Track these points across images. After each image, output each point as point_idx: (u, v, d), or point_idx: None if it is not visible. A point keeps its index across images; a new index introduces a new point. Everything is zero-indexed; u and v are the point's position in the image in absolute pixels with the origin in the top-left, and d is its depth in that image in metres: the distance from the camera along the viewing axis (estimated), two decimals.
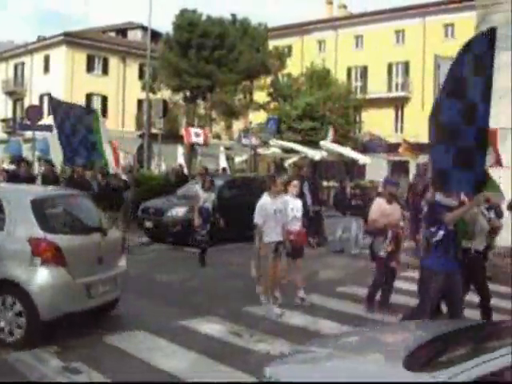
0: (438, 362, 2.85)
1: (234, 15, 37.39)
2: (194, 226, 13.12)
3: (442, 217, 6.51)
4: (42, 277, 6.87)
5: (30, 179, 14.22)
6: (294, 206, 9.72)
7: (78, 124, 13.55)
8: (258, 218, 9.05)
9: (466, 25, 30.76)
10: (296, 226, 9.68)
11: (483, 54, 5.87)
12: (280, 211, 9.14)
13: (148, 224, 16.45)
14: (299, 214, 9.80)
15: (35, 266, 6.85)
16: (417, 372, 2.84)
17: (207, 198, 13.04)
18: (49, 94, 47.41)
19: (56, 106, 14.01)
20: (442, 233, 6.52)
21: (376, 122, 42.79)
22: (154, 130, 30.12)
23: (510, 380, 2.46)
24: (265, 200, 9.15)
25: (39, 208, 7.25)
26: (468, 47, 5.99)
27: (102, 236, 7.76)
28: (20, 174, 13.72)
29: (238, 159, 33.31)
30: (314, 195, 16.26)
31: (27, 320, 6.81)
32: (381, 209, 8.81)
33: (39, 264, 6.85)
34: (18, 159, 17.35)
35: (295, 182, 10.16)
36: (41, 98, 48.07)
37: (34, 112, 22.61)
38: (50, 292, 6.91)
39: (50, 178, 13.59)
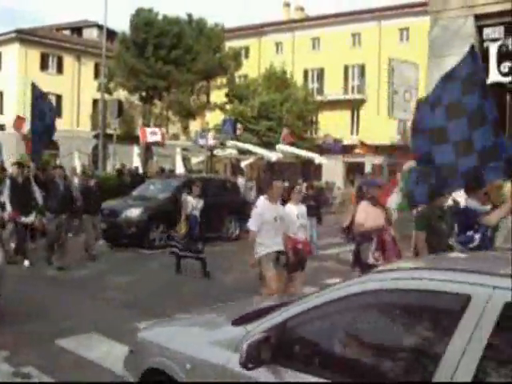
0: (255, 319, 3.77)
1: (189, 15, 37.29)
2: (179, 233, 12.28)
3: (479, 220, 6.40)
4: None
5: None
6: (300, 212, 8.85)
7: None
8: (253, 225, 8.21)
9: (420, 29, 31.34)
10: (302, 235, 8.92)
11: None
12: (281, 218, 8.31)
13: (103, 225, 16.23)
14: (305, 221, 9.03)
15: None
16: (235, 326, 3.85)
17: (196, 205, 12.27)
18: (0, 93, 46.59)
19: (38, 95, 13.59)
20: (478, 237, 6.42)
21: (332, 124, 43.23)
22: (109, 131, 29.83)
23: (294, 325, 3.49)
24: (263, 205, 8.31)
25: None
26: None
27: None
28: None
29: (194, 160, 33.20)
30: None
31: None
32: (366, 212, 8.24)
33: None
34: None
35: (299, 188, 9.37)
36: None
37: None
38: None
39: (18, 181, 12.66)
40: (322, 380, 3.15)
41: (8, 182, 12.73)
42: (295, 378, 3.27)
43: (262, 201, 8.40)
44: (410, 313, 3.17)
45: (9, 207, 12.36)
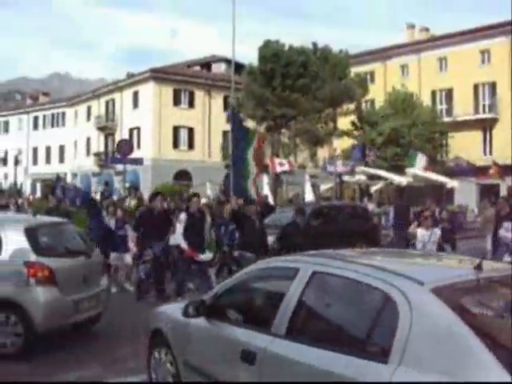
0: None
1: (315, 44, 37.75)
2: None
3: None
4: (37, 295, 7.71)
5: (166, 214, 12.77)
6: None
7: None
8: None
9: None
10: None
11: None
12: None
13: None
14: None
15: (31, 286, 7.68)
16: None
17: (429, 238, 10.26)
18: (138, 128, 49.35)
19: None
20: None
21: (463, 145, 41.88)
22: None
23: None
24: None
25: (32, 235, 8.12)
26: None
27: (86, 258, 8.73)
28: (154, 209, 12.11)
29: (323, 187, 33.37)
30: None
31: (25, 333, 7.61)
32: None
33: (34, 284, 7.69)
34: (153, 193, 15.04)
35: None
36: (130, 131, 49.97)
37: (125, 146, 23.52)
38: (44, 308, 7.73)
39: (196, 215, 11.52)
40: (237, 327, 4.89)
41: (183, 216, 11.43)
42: (220, 326, 5.05)
43: None
44: (275, 280, 5.11)
45: (184, 244, 11.24)
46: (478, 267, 3.81)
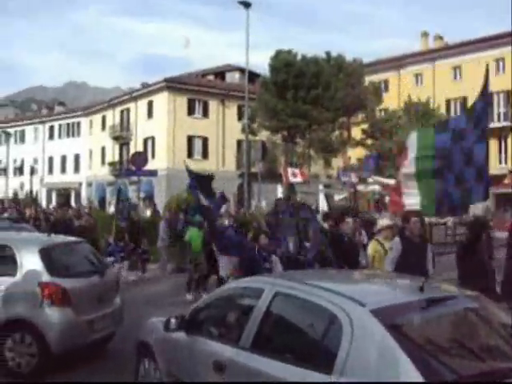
0: None
1: (328, 53, 37.74)
2: None
3: None
4: (51, 316, 7.76)
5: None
6: None
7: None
8: None
9: None
10: None
11: None
12: None
13: None
14: None
15: (45, 307, 7.74)
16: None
17: None
18: (152, 138, 49.55)
19: None
20: None
21: None
22: (253, 170, 30.70)
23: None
24: None
25: (46, 255, 8.18)
26: None
27: (101, 277, 8.77)
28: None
29: (337, 197, 33.31)
30: None
31: (39, 353, 7.64)
32: None
33: (48, 305, 7.75)
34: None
35: None
36: (145, 141, 50.16)
37: (139, 159, 23.58)
38: (59, 329, 7.78)
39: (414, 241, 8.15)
40: (210, 340, 5.48)
41: (398, 240, 8.19)
42: (197, 339, 5.60)
43: None
44: (245, 299, 5.69)
45: None
46: (420, 289, 4.39)
